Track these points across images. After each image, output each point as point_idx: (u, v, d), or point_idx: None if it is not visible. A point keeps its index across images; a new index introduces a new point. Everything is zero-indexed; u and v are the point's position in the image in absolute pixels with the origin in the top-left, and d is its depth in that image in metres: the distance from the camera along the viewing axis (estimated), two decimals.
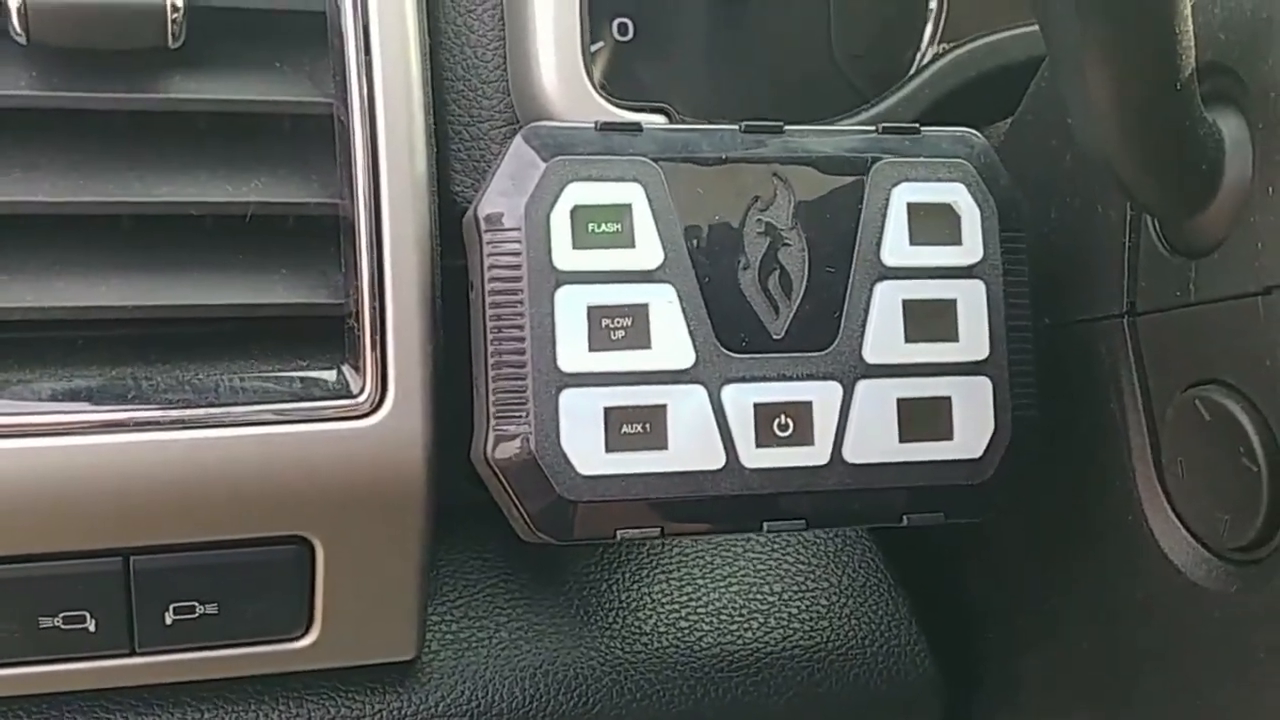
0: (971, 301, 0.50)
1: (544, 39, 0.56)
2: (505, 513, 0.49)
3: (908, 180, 0.50)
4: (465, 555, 0.61)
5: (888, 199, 0.50)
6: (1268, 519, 0.43)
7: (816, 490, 0.48)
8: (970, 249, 0.50)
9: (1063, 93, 0.44)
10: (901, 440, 0.49)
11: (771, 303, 0.49)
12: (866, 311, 0.49)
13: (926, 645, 0.63)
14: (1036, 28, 0.44)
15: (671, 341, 0.48)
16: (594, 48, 0.59)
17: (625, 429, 0.47)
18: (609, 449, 0.47)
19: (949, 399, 0.49)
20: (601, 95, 0.57)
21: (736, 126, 0.50)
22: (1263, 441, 0.43)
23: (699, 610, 0.61)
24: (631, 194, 0.48)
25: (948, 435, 0.49)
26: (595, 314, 0.47)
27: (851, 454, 0.49)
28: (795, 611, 0.62)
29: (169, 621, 0.50)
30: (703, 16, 0.62)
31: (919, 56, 0.65)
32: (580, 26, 0.56)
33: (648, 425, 0.47)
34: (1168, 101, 0.42)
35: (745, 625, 0.61)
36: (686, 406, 0.47)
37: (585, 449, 0.47)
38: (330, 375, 0.49)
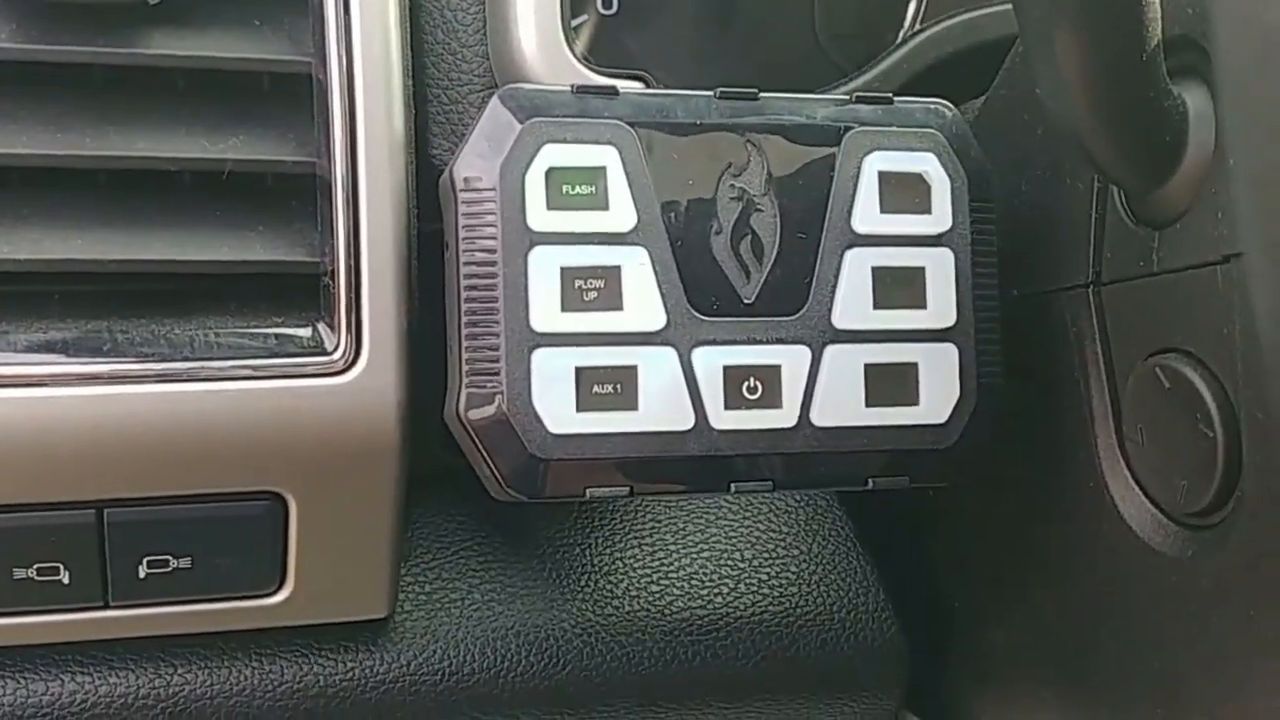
0: (940, 269, 0.51)
1: (523, 4, 0.56)
2: (477, 471, 0.50)
3: (879, 149, 0.51)
4: (440, 518, 0.61)
5: (859, 167, 0.50)
6: (1222, 485, 0.44)
7: (784, 452, 0.49)
8: (940, 218, 0.51)
9: (1031, 65, 0.45)
10: (868, 405, 0.50)
11: (743, 267, 0.49)
12: (836, 278, 0.50)
13: (893, 612, 0.63)
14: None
15: (643, 303, 0.48)
16: (579, 21, 0.60)
17: (596, 389, 0.47)
18: (580, 408, 0.47)
19: (915, 365, 0.50)
20: (579, 61, 0.57)
21: (711, 93, 0.50)
22: (1219, 408, 0.44)
23: (670, 575, 0.62)
24: (606, 157, 0.48)
25: (914, 400, 0.50)
26: (568, 275, 0.47)
27: (819, 417, 0.49)
28: (765, 578, 0.63)
29: (142, 575, 0.50)
30: None
31: (902, 35, 0.65)
32: None
33: (618, 386, 0.48)
34: (1133, 73, 0.42)
35: (716, 590, 0.62)
36: (657, 368, 0.48)
37: (556, 408, 0.47)
38: (305, 332, 0.50)
